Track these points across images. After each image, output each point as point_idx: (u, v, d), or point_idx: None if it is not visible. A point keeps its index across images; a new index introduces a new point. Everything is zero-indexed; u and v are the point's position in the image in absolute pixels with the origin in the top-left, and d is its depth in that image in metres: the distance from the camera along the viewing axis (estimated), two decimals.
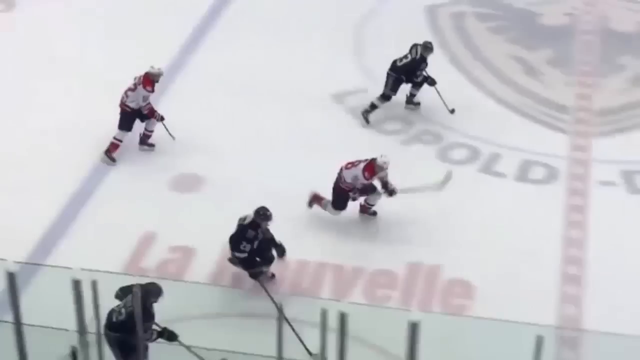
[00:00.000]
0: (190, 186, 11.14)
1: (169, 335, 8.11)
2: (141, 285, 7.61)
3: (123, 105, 11.34)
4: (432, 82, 12.30)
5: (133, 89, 11.30)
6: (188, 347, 7.91)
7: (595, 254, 10.04)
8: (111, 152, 11.45)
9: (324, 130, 12.09)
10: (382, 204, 10.55)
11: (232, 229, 9.32)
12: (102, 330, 6.39)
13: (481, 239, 10.35)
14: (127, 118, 11.36)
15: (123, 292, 8.23)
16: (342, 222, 10.54)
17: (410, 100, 12.67)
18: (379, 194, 10.23)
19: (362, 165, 10.03)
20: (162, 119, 11.47)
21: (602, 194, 11.19)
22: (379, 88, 12.35)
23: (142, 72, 11.26)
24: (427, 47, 12.17)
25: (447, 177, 10.50)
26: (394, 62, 12.27)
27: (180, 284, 9.37)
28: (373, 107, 12.36)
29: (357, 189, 10.12)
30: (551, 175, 11.52)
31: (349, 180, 10.07)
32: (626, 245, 10.21)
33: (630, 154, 11.91)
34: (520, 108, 12.97)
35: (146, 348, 7.71)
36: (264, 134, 12.09)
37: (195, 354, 7.85)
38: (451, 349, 8.35)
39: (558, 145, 12.12)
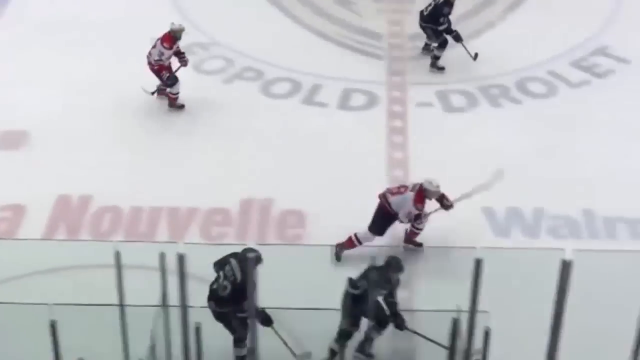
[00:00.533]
0: (14, 143, 11.00)
1: (264, 318, 7.75)
2: (238, 254, 7.80)
3: (151, 65, 11.39)
4: (457, 37, 12.24)
5: (154, 45, 11.36)
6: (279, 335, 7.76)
7: (418, 173, 10.53)
8: (174, 102, 11.58)
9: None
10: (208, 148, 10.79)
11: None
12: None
13: (310, 168, 10.69)
14: (158, 73, 11.42)
15: (217, 267, 8.04)
16: (173, 165, 10.70)
17: (435, 63, 12.54)
18: (427, 217, 9.49)
19: (409, 194, 9.33)
20: (185, 64, 11.51)
21: (420, 114, 11.76)
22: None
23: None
24: None
25: (497, 176, 9.64)
26: (421, 12, 12.38)
27: (12, 242, 9.31)
28: (436, 58, 12.47)
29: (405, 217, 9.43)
30: (371, 101, 11.96)
31: (395, 207, 9.37)
32: (447, 162, 10.77)
33: (443, 75, 12.51)
34: (337, 38, 13.31)
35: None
36: (79, 85, 12.00)
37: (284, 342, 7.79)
38: (288, 276, 8.67)
39: (376, 71, 12.56)
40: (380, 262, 8.06)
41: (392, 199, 9.31)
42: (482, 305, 4.47)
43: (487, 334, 4.73)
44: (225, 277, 7.92)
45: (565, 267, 3.95)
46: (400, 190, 9.41)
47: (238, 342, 8.05)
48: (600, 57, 12.81)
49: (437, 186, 9.28)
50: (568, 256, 4.05)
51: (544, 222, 9.95)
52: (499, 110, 11.80)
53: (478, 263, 4.24)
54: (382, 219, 9.37)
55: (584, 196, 10.25)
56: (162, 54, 11.32)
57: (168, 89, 11.55)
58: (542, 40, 13.13)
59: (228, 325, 7.96)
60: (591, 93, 12.16)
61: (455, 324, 4.63)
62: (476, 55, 12.46)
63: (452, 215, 9.47)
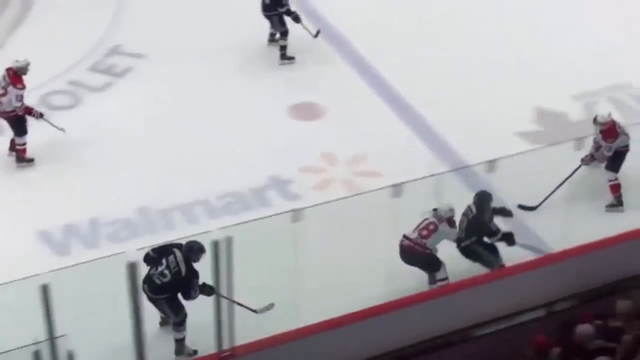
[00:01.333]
0: None
1: (209, 290, 8.05)
2: (181, 245, 8.26)
3: (5, 113, 10.50)
4: (296, 18, 12.47)
5: (3, 93, 10.42)
6: (229, 298, 7.53)
7: None
8: (23, 155, 10.72)
9: None
10: None
11: None
12: None
13: None
14: (15, 122, 10.57)
15: (158, 254, 8.37)
16: None
17: (285, 55, 12.71)
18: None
19: (443, 226, 9.32)
20: (41, 115, 10.72)
21: None
22: None
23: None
24: None
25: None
26: (262, 2, 12.54)
27: None
28: (283, 48, 12.66)
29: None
30: None
31: (432, 245, 9.31)
32: None
33: None
34: None
35: None
36: None
37: (238, 303, 7.71)
38: None
39: None
40: None
41: (428, 241, 9.27)
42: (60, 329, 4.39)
43: (71, 357, 4.67)
44: (168, 266, 8.33)
45: (132, 269, 4.01)
46: (429, 228, 9.31)
47: (176, 325, 8.45)
48: (115, 57, 13.01)
49: (452, 210, 9.39)
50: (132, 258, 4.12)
51: (103, 230, 10.03)
52: None
53: (45, 289, 4.15)
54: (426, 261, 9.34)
55: (136, 195, 10.47)
56: (20, 96, 10.44)
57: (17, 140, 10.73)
58: (58, 48, 12.90)
59: (162, 309, 8.47)
60: (116, 95, 12.35)
61: (37, 356, 4.51)
62: (317, 32, 12.71)
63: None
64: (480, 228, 9.43)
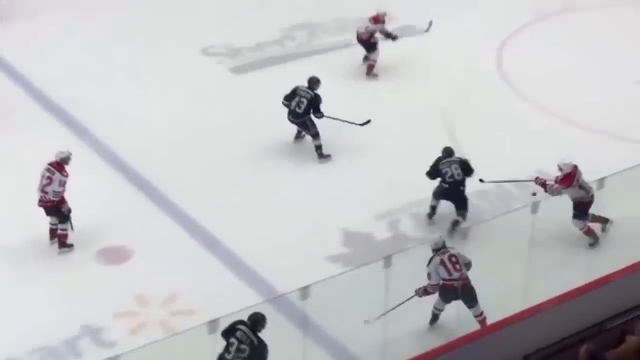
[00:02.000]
0: None
1: None
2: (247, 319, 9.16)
3: (47, 202, 11.41)
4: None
5: (48, 182, 11.34)
6: None
7: None
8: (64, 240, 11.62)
9: None
10: None
11: None
12: None
13: None
14: (57, 210, 11.52)
15: (226, 333, 9.11)
16: None
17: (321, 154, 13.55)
18: None
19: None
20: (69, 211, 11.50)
21: None
22: None
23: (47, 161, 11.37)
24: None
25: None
26: (292, 111, 13.24)
27: None
28: (319, 148, 13.42)
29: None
30: None
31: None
32: None
33: None
34: None
35: None
36: None
37: None
38: None
39: None
40: None
41: (460, 273, 10.17)
42: None
43: None
44: (240, 341, 9.09)
45: None
46: (453, 261, 10.18)
47: None
48: None
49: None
50: None
51: None
52: None
53: None
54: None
55: None
56: (63, 183, 11.34)
57: (60, 226, 11.58)
58: None
59: None
60: None
61: None
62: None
63: None
64: None
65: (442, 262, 10.20)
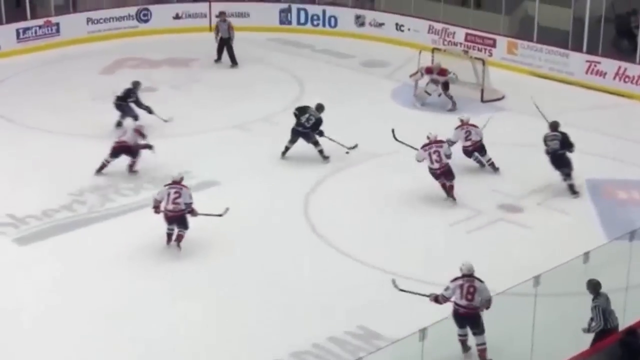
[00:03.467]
0: None
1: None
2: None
3: (181, 212, 14.14)
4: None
5: (178, 196, 14.15)
6: None
7: None
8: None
9: None
10: None
11: None
12: None
13: None
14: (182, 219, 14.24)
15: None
16: None
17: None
18: None
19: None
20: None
21: None
22: None
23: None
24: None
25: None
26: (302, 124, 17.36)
27: None
28: (321, 152, 17.54)
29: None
30: None
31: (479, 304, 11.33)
32: None
33: None
34: None
35: None
36: None
37: None
38: None
39: None
40: None
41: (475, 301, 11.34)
42: None
43: None
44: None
45: None
46: (470, 291, 11.29)
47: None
48: None
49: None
50: None
51: None
52: None
53: None
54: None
55: None
56: (191, 196, 14.20)
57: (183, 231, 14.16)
58: None
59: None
60: None
61: None
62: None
63: None
64: None
65: (461, 287, 11.33)
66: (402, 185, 16.42)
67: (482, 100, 20.53)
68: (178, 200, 14.07)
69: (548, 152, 16.02)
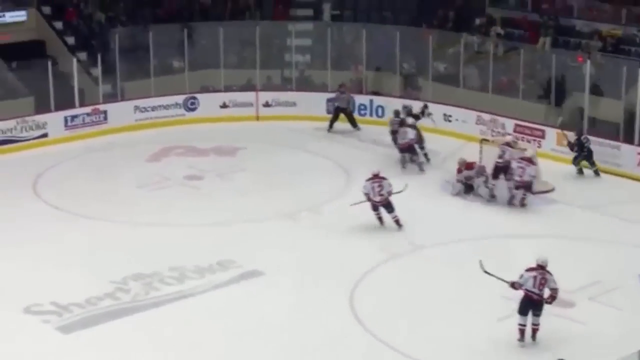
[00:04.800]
0: None
1: None
2: None
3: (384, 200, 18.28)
4: None
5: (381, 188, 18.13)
6: None
7: None
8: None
9: None
10: None
11: None
12: None
13: None
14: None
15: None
16: None
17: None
18: None
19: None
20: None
21: None
22: None
23: None
24: None
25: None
26: None
27: None
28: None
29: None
30: None
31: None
32: None
33: None
34: None
35: None
36: None
37: None
38: None
39: None
40: None
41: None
42: None
43: None
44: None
45: None
46: (542, 282, 13.94)
47: None
48: None
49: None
50: None
51: None
52: None
53: None
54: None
55: None
56: (390, 184, 18.37)
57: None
58: None
59: None
60: None
61: None
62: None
63: None
64: None
65: (535, 278, 13.89)
66: (448, 278, 16.43)
67: (532, 192, 20.57)
68: (382, 192, 18.16)
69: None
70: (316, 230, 18.59)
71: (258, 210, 19.69)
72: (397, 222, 18.48)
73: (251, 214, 19.40)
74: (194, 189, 20.65)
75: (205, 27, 28.22)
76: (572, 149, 21.96)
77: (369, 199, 18.46)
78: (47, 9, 27.97)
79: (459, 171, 20.54)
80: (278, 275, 16.58)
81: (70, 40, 27.60)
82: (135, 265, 16.78)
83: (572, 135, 22.08)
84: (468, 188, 20.44)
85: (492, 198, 20.14)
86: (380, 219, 18.54)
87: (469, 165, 20.58)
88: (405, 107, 23.81)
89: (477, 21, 28.18)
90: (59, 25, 27.81)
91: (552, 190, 21.07)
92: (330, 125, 25.59)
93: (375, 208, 18.48)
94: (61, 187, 21.23)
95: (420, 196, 20.21)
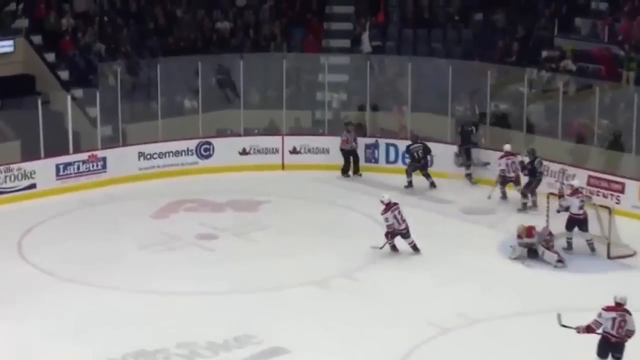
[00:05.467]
0: None
1: None
2: None
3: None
4: None
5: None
6: None
7: None
8: None
9: None
10: None
11: None
12: None
13: None
14: None
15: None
16: None
17: None
18: None
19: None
20: None
21: None
22: None
23: None
24: None
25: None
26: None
27: None
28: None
29: None
30: None
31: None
32: None
33: None
34: None
35: None
36: None
37: None
38: None
39: None
40: None
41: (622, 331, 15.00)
42: None
43: None
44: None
45: None
46: (622, 325, 14.86)
47: None
48: None
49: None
50: None
51: None
52: None
53: None
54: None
55: None
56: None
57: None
58: None
59: None
60: None
61: None
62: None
63: None
64: None
65: (614, 320, 14.74)
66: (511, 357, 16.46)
67: (609, 257, 20.49)
68: (404, 217, 20.21)
69: None
70: (351, 300, 18.58)
71: (282, 276, 19.71)
72: (415, 247, 20.54)
73: (274, 281, 19.46)
74: (207, 251, 20.76)
75: (222, 60, 28.50)
76: None
77: (394, 232, 20.03)
78: (37, 38, 28.30)
79: (519, 237, 20.64)
80: (305, 354, 16.58)
81: (64, 74, 27.94)
82: (137, 340, 16.81)
83: None
84: (532, 253, 20.48)
85: (559, 263, 20.20)
86: (394, 247, 20.53)
87: (529, 232, 20.64)
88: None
89: (544, 54, 28.32)
90: (51, 57, 28.17)
91: (633, 254, 20.98)
92: (345, 172, 26.34)
93: (392, 236, 20.37)
94: (51, 248, 21.31)
95: (473, 256, 20.33)
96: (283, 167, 26.85)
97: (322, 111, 28.38)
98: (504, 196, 24.13)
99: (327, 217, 23.45)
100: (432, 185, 25.28)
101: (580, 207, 20.84)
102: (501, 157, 24.12)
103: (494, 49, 29.12)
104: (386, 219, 20.17)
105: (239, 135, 27.50)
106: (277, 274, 19.83)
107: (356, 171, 26.39)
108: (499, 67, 27.80)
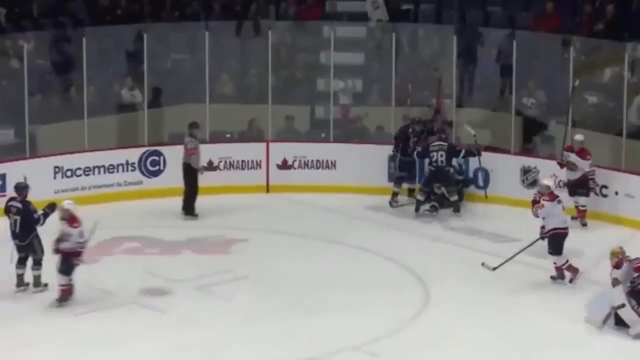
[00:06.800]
0: None
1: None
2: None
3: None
4: None
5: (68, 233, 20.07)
6: None
7: None
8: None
9: None
10: None
11: None
12: None
13: None
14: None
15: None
16: None
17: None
18: None
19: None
20: None
21: None
22: None
23: None
24: None
25: None
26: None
27: None
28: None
29: None
30: None
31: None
32: None
33: None
34: None
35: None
36: None
37: None
38: None
39: None
40: None
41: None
42: None
43: None
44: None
45: None
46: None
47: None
48: None
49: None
50: None
51: None
52: None
53: None
54: None
55: None
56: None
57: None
58: None
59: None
60: None
61: None
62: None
63: None
64: None
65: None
66: None
67: None
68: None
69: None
70: None
71: (264, 351, 19.40)
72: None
73: (255, 356, 19.18)
74: (156, 313, 20.52)
75: (178, 30, 28.33)
76: None
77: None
78: None
79: (617, 266, 20.14)
80: None
81: None
82: None
83: None
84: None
85: None
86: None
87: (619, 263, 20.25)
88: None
89: None
90: None
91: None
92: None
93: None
94: None
95: (551, 322, 20.18)
96: (267, 188, 26.69)
97: (326, 106, 28.22)
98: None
99: (332, 262, 23.33)
100: (434, 208, 25.75)
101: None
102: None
103: (578, 14, 28.78)
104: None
105: (203, 141, 27.04)
106: (258, 349, 19.47)
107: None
108: (584, 40, 27.53)
